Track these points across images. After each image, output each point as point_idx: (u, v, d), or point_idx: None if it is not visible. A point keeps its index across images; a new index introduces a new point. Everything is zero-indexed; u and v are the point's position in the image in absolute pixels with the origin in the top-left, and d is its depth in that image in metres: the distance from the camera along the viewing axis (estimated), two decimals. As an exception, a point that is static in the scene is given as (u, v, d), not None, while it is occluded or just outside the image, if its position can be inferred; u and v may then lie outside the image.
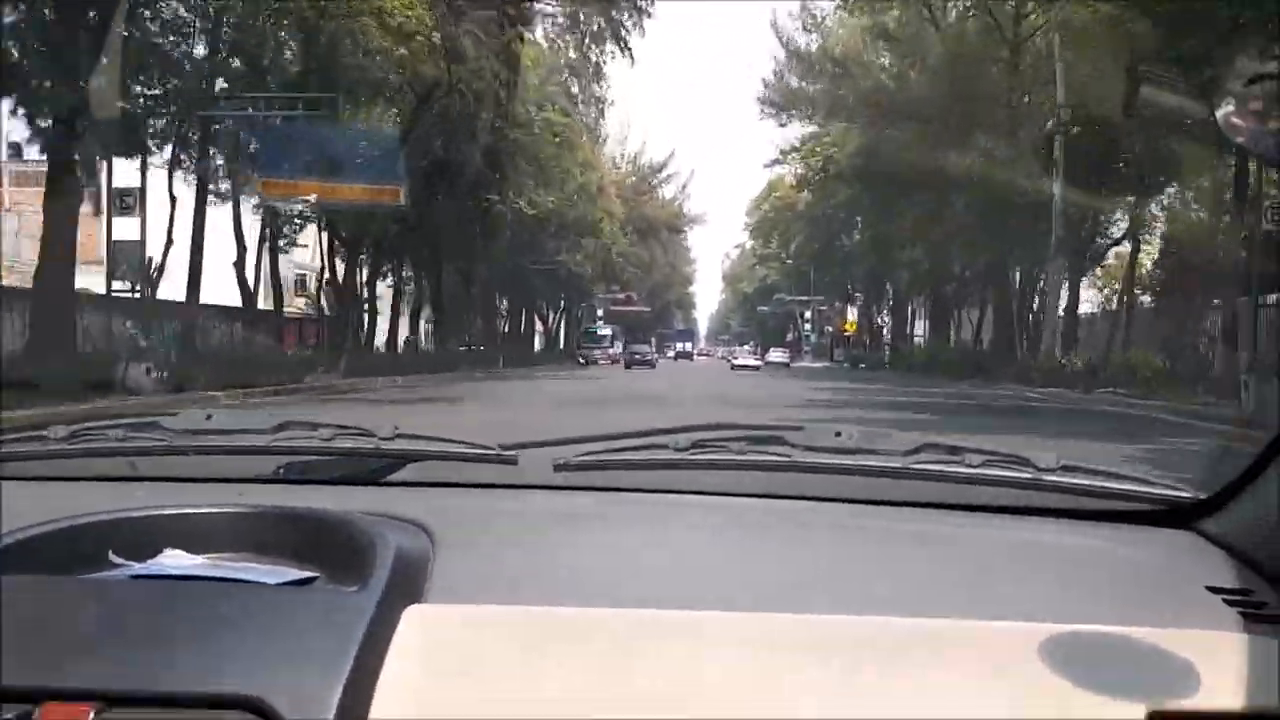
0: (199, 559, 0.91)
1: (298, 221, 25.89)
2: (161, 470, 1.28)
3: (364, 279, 29.07)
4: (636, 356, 47.84)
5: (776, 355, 55.36)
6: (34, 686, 0.65)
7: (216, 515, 0.98)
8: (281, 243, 24.46)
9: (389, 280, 32.15)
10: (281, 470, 1.30)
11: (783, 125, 40.45)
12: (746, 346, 68.11)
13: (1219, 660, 0.76)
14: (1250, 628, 0.82)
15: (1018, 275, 29.36)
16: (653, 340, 71.73)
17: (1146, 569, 1.04)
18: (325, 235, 26.82)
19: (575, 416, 12.29)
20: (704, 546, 1.10)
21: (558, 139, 32.79)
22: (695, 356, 78.55)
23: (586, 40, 32.44)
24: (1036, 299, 31.05)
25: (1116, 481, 1.17)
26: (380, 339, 30.88)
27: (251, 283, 22.95)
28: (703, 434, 1.27)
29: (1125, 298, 26.08)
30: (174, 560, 0.90)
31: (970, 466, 1.17)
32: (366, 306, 29.39)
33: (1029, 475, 1.15)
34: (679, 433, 1.27)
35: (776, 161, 47.86)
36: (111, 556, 0.89)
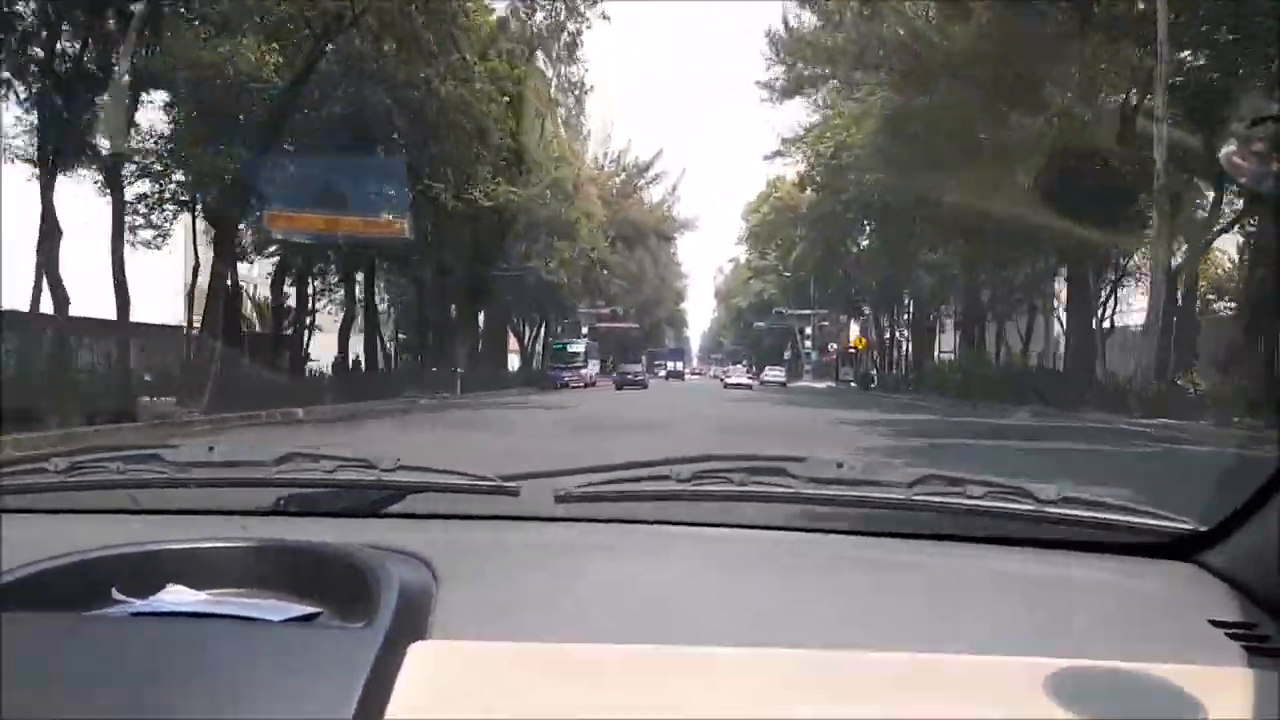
0: (202, 595, 0.92)
1: (167, 208, 18.28)
2: (163, 503, 1.28)
3: (295, 284, 23.86)
4: (628, 376, 44.95)
5: (772, 374, 52.08)
6: None
7: (219, 550, 0.98)
8: (143, 234, 18.12)
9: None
10: (283, 502, 1.30)
11: (786, 96, 31.35)
12: (739, 365, 66.12)
13: (1224, 695, 0.76)
14: (1254, 661, 0.83)
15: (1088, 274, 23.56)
16: (643, 359, 67.70)
17: (1149, 601, 1.05)
18: (195, 223, 19.96)
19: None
20: (706, 578, 1.10)
21: (506, 98, 24.73)
22: (686, 375, 74.67)
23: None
24: (1111, 304, 25.99)
25: (1118, 514, 1.17)
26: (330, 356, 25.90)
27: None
28: (705, 464, 1.26)
29: (1211, 301, 20.82)
30: (176, 597, 0.91)
31: (972, 498, 1.18)
32: (292, 317, 24.08)
33: (1031, 507, 1.16)
34: (681, 463, 1.26)
35: (778, 154, 40.52)
36: (114, 593, 0.89)
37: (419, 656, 0.77)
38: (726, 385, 46.16)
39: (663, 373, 69.18)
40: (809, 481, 1.22)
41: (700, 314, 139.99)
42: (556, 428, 14.12)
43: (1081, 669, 0.78)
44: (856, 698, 0.75)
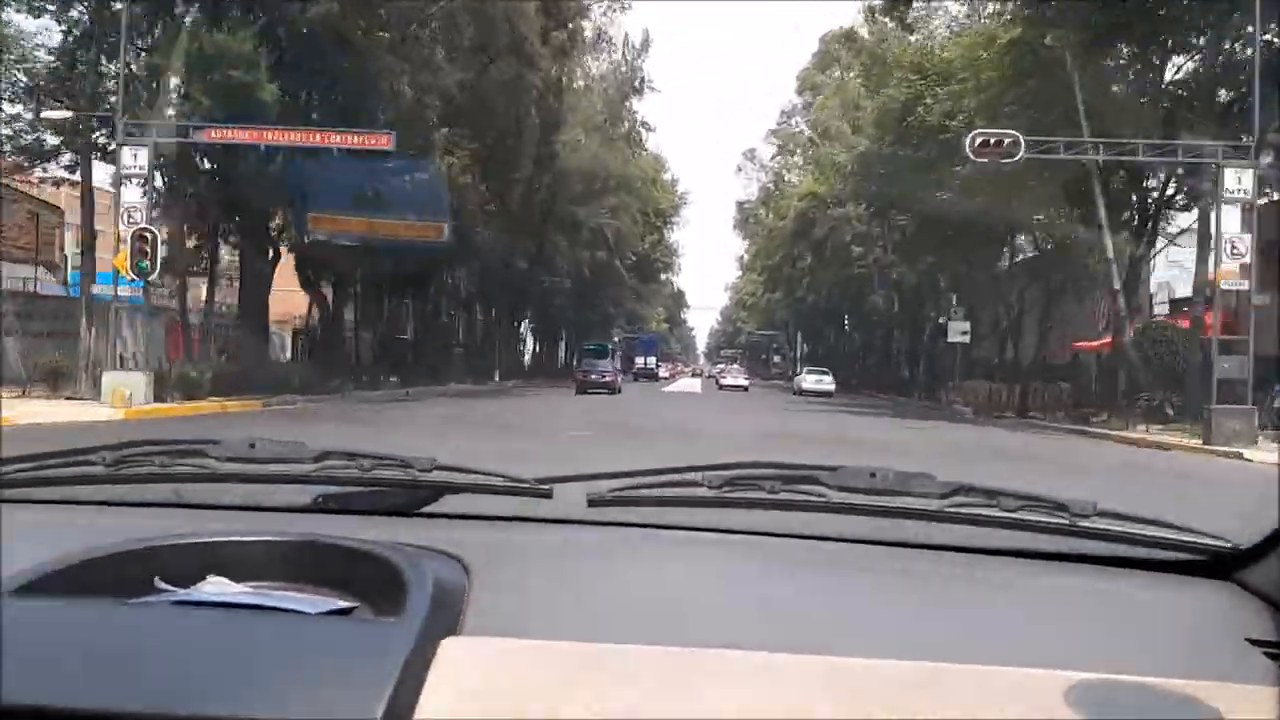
0: (241, 587, 0.92)
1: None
2: (205, 497, 1.32)
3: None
4: (591, 376, 34.56)
5: (731, 378, 48.12)
6: (76, 709, 0.66)
7: (259, 544, 1.00)
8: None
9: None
10: (321, 500, 1.33)
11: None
12: (735, 365, 63.49)
13: (1259, 714, 0.76)
14: None
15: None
16: (612, 347, 49.57)
17: (1185, 619, 1.04)
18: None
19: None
20: (736, 585, 1.10)
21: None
22: (661, 374, 62.76)
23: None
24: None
25: (1155, 529, 1.16)
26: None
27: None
28: (737, 471, 1.26)
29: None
30: (217, 588, 0.92)
31: (1007, 511, 1.17)
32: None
33: (1066, 521, 1.15)
34: (713, 470, 1.26)
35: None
36: (157, 583, 0.91)
37: (451, 652, 0.77)
38: (721, 386, 45.03)
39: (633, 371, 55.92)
40: (841, 490, 1.22)
41: (705, 315, 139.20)
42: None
43: (1110, 682, 0.78)
44: (882, 705, 0.75)
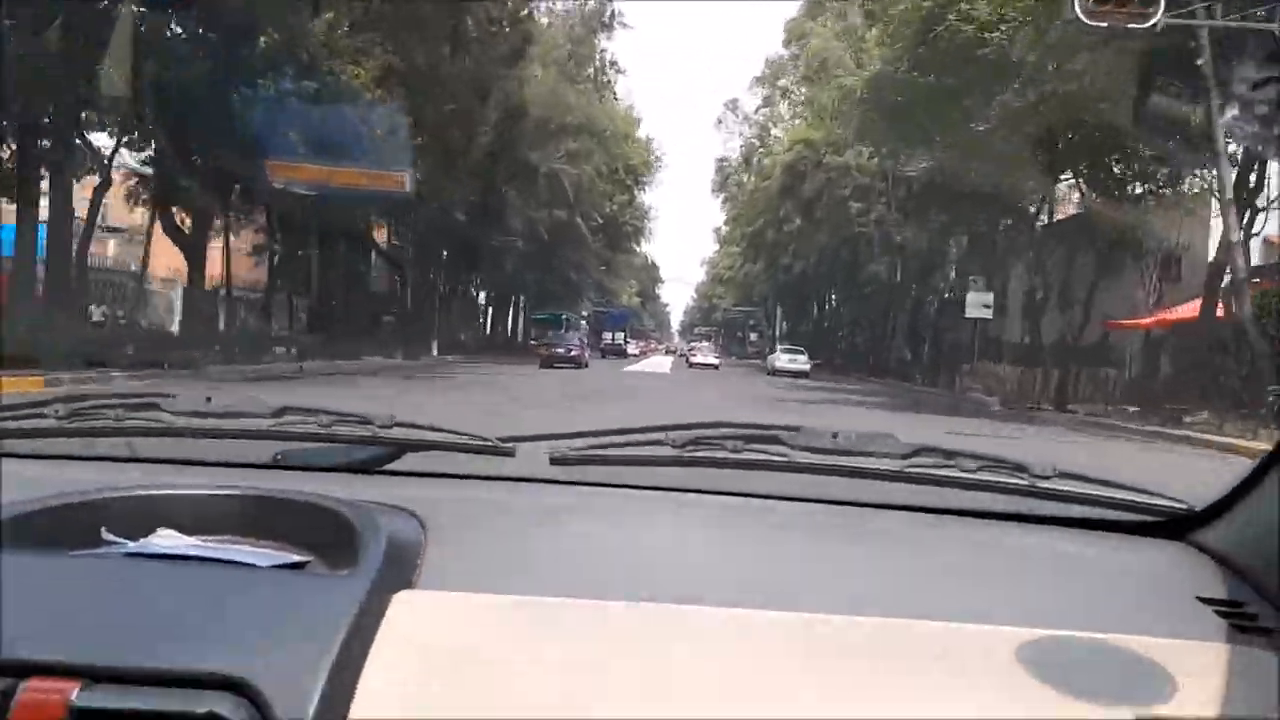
0: (192, 539, 0.91)
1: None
2: (159, 451, 1.30)
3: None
4: (558, 350, 31.92)
5: (701, 356, 45.67)
6: (19, 660, 0.66)
7: (211, 498, 0.99)
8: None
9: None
10: (279, 456, 1.30)
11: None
12: (706, 344, 61.33)
13: (1207, 670, 0.77)
14: (1240, 639, 0.83)
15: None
16: (582, 322, 49.42)
17: (1138, 578, 1.05)
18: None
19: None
20: (697, 543, 1.10)
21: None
22: (631, 352, 57.80)
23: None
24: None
25: (1113, 490, 1.17)
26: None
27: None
28: (700, 431, 1.25)
29: None
30: (167, 540, 0.90)
31: (967, 472, 1.17)
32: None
33: (1025, 482, 1.16)
34: (676, 429, 1.25)
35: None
36: (104, 534, 0.90)
37: (402, 606, 0.77)
38: (691, 365, 42.29)
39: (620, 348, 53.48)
40: (803, 450, 1.22)
41: (681, 291, 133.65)
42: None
43: (1061, 639, 0.79)
44: (838, 661, 0.76)
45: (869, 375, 36.29)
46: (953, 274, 32.66)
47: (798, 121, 44.25)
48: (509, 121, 29.47)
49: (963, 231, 27.81)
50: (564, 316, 47.35)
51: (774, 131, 51.46)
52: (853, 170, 34.40)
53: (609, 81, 44.81)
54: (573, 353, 31.56)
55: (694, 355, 47.27)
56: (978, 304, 25.43)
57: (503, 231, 33.93)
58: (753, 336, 74.73)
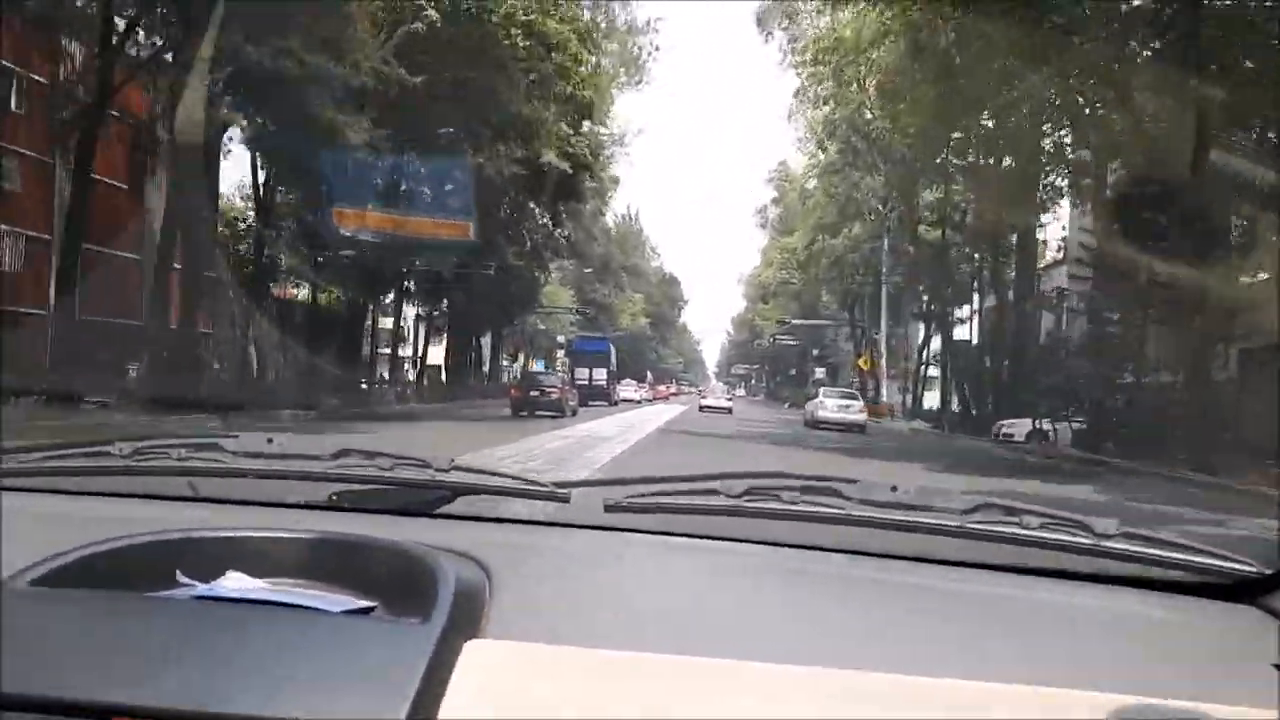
0: (261, 582, 0.92)
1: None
2: (221, 492, 1.32)
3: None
4: (533, 394, 24.95)
5: (713, 398, 40.30)
6: (99, 703, 0.66)
7: (278, 540, 1.00)
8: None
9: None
10: (338, 497, 1.32)
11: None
12: (721, 384, 58.71)
13: None
14: None
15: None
16: (561, 354, 39.04)
17: (1209, 642, 1.03)
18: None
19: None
20: (753, 595, 1.09)
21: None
22: (630, 397, 46.33)
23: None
24: None
25: (1178, 552, 1.14)
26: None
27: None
28: (756, 481, 1.24)
29: None
30: (237, 583, 0.91)
31: (1028, 529, 1.15)
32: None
33: (1088, 541, 1.14)
34: (732, 479, 1.24)
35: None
36: (179, 576, 0.91)
37: (474, 655, 0.78)
38: (702, 408, 38.12)
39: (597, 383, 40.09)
40: (861, 504, 1.20)
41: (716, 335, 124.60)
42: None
43: (1143, 706, 0.77)
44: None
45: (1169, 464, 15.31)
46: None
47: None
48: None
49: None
50: (582, 342, 37.08)
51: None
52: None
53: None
54: (552, 395, 24.80)
55: (704, 398, 42.56)
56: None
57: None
58: (818, 372, 54.48)
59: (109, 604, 0.81)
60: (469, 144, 23.94)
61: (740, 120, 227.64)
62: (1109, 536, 1.12)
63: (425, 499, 1.30)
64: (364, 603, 0.90)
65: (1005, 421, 23.82)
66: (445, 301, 35.27)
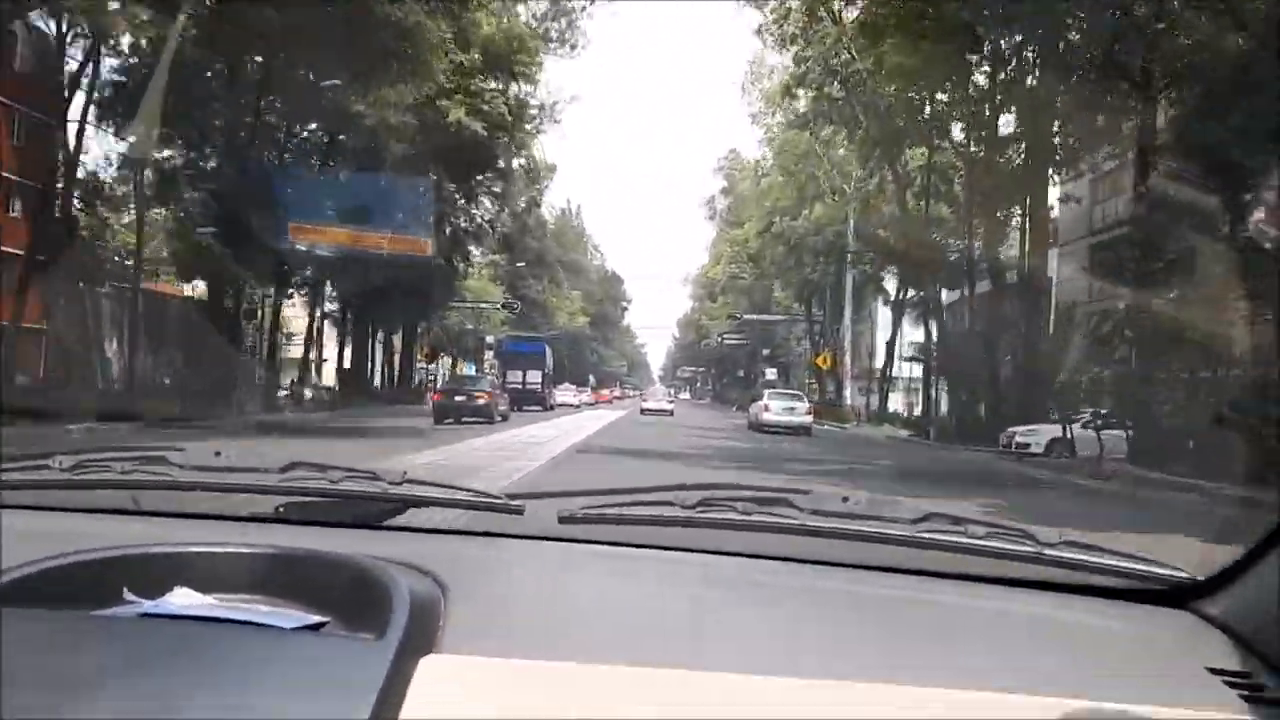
0: (209, 598, 0.91)
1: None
2: (167, 506, 1.29)
3: None
4: (458, 399, 22.94)
5: (655, 401, 40.47)
6: None
7: (226, 555, 0.98)
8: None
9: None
10: (286, 510, 1.30)
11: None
12: (663, 388, 58.29)
13: None
14: (1250, 710, 0.84)
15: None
16: (491, 356, 37.39)
17: (1145, 647, 1.05)
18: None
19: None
20: (707, 605, 1.10)
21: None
22: (569, 401, 45.10)
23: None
24: None
25: (1117, 559, 1.17)
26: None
27: None
28: (710, 492, 1.25)
29: None
30: (185, 600, 0.90)
31: (974, 538, 1.18)
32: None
33: (1031, 549, 1.17)
34: (686, 490, 1.25)
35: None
36: (125, 593, 0.89)
37: (430, 670, 0.77)
38: (643, 411, 37.75)
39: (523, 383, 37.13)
40: (813, 514, 1.21)
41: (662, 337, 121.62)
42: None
43: (1084, 709, 0.79)
44: None
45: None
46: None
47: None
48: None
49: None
50: (510, 345, 34.52)
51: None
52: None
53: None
54: (478, 401, 22.81)
55: (647, 401, 42.42)
56: None
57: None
58: (769, 373, 52.52)
59: (53, 623, 0.79)
60: (341, 75, 18.63)
61: (689, 109, 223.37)
62: (1051, 545, 1.16)
63: (376, 511, 1.29)
64: (316, 618, 0.88)
65: (1018, 429, 19.12)
66: (331, 289, 29.95)
